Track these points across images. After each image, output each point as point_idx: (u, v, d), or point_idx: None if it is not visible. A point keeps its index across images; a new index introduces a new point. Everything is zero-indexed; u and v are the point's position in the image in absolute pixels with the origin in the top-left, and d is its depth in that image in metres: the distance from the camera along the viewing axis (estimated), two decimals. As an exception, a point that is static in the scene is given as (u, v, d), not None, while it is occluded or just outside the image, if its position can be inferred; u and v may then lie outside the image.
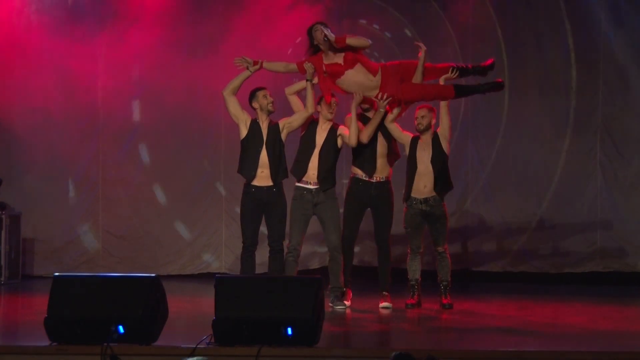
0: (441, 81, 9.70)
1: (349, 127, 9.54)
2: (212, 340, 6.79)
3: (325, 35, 9.35)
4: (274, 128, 9.50)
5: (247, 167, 9.49)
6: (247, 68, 9.48)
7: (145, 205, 12.68)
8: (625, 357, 6.82)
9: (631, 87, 12.39)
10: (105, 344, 6.58)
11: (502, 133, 12.51)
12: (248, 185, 9.49)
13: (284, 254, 9.48)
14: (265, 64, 9.55)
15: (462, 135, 12.43)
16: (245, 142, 9.54)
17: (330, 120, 9.59)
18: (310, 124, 9.62)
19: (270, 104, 9.51)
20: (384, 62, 9.99)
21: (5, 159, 12.56)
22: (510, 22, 12.50)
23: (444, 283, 9.70)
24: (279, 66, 9.82)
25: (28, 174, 12.59)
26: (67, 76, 12.53)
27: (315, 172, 9.53)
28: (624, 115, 12.39)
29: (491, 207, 12.48)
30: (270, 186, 9.45)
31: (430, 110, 9.75)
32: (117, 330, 6.73)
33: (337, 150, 9.64)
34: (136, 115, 12.72)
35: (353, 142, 9.50)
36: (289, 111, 9.75)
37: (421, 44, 9.66)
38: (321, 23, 9.55)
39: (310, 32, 9.51)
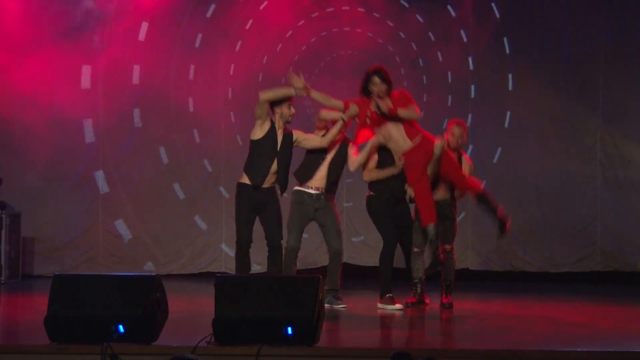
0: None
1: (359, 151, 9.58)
2: (212, 340, 6.79)
3: (378, 106, 9.16)
4: (287, 137, 9.44)
5: (256, 171, 9.38)
6: (295, 87, 9.25)
7: (146, 205, 12.69)
8: (625, 357, 6.82)
9: (631, 87, 12.40)
10: (106, 343, 6.58)
11: (503, 133, 12.53)
12: (246, 184, 9.44)
13: (282, 253, 9.50)
14: (312, 93, 9.30)
15: (463, 135, 12.45)
16: (257, 146, 9.40)
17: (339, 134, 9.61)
18: (324, 135, 9.60)
19: (291, 116, 9.46)
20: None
21: (5, 159, 12.56)
22: (512, 23, 12.51)
23: (447, 282, 9.71)
24: (324, 99, 9.44)
25: (28, 174, 12.60)
26: (68, 76, 12.54)
27: (324, 182, 9.56)
28: (624, 115, 12.40)
29: (491, 207, 12.48)
30: (268, 187, 9.42)
31: (464, 128, 9.82)
32: (117, 329, 6.73)
33: (344, 165, 9.69)
34: (136, 115, 12.73)
35: (352, 168, 9.60)
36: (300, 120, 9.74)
37: (439, 139, 9.36)
38: (379, 73, 9.22)
39: (367, 78, 9.26)
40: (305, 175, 9.59)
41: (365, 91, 9.29)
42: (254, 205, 9.40)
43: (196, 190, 12.70)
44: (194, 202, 12.70)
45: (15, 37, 12.54)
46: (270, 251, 9.48)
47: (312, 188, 9.56)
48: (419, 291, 9.69)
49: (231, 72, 12.64)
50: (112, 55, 12.61)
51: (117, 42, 12.60)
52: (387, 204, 9.56)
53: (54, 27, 12.57)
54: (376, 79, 9.21)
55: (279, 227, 9.47)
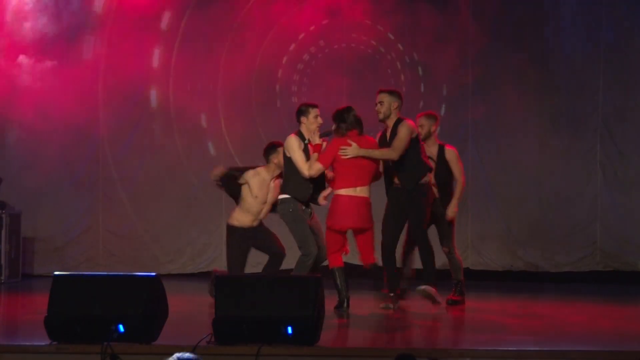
0: None
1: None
2: (212, 340, 6.79)
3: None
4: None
5: (244, 216, 9.75)
6: None
7: (146, 204, 12.70)
8: (625, 357, 6.82)
9: (631, 87, 12.40)
10: (106, 343, 6.59)
11: (503, 133, 12.52)
12: (235, 227, 9.75)
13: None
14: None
15: (463, 135, 12.44)
16: (246, 195, 9.75)
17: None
18: (305, 149, 9.35)
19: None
20: None
21: (6, 159, 12.57)
22: (511, 22, 12.50)
23: (455, 281, 9.79)
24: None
25: (28, 173, 12.60)
26: (68, 76, 12.55)
27: (311, 193, 9.51)
28: (624, 115, 12.40)
29: (491, 207, 12.49)
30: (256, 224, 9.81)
31: (429, 117, 9.74)
32: (117, 329, 6.74)
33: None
34: (136, 115, 12.73)
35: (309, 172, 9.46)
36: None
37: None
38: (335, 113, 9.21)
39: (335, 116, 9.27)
40: (304, 191, 9.39)
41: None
42: (244, 241, 9.74)
43: (196, 190, 12.69)
44: (194, 202, 12.69)
45: (14, 37, 12.54)
46: (273, 258, 9.71)
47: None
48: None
49: (230, 76, 12.65)
50: (113, 55, 12.61)
51: (118, 44, 12.60)
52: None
53: (53, 28, 12.57)
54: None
55: (277, 241, 9.79)
